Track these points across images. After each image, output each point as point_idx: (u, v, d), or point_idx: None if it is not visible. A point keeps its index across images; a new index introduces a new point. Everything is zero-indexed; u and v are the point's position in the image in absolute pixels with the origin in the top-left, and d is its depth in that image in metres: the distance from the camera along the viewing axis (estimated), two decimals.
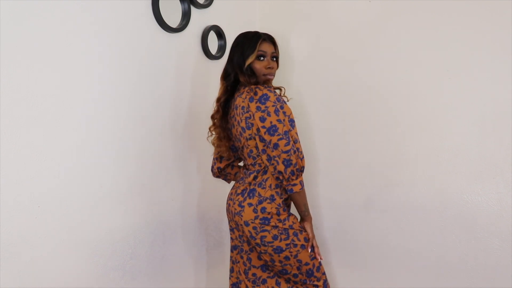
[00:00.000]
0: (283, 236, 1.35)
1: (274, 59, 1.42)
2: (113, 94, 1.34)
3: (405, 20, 1.70)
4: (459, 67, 1.59)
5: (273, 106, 1.27)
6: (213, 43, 1.80)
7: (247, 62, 1.35)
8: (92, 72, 1.26)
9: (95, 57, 1.27)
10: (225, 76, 1.43)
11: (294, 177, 1.30)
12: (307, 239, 1.39)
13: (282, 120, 1.28)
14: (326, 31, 1.93)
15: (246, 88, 1.34)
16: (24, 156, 1.08)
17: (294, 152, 1.29)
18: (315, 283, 1.40)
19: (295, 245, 1.36)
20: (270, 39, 1.41)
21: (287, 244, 1.35)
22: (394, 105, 1.75)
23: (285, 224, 1.36)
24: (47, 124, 1.13)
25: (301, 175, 1.33)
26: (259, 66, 1.37)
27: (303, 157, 1.34)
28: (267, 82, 1.41)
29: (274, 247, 1.34)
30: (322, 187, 1.99)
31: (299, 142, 1.34)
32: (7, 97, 1.03)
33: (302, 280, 1.40)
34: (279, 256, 1.35)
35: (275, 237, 1.34)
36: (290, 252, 1.36)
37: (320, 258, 1.41)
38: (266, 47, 1.38)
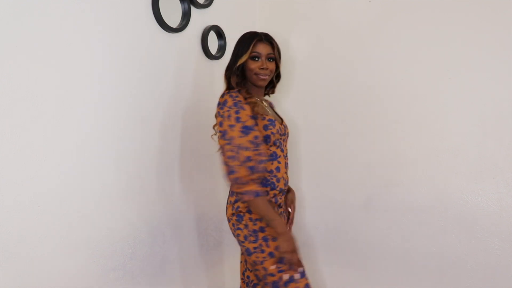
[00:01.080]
0: (251, 238, 1.29)
1: (271, 60, 1.38)
2: (113, 94, 1.34)
3: (405, 20, 1.71)
4: (459, 67, 1.59)
5: (227, 111, 1.24)
6: (213, 43, 1.80)
7: (239, 62, 1.34)
8: (92, 72, 1.26)
9: (95, 57, 1.27)
10: (226, 75, 1.43)
11: (235, 186, 1.23)
12: (278, 248, 1.25)
13: (232, 126, 1.23)
14: (326, 31, 1.93)
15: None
16: (24, 156, 1.08)
17: (241, 161, 1.20)
18: None
19: (262, 251, 1.27)
20: (267, 39, 1.37)
21: (254, 248, 1.29)
22: (394, 105, 1.76)
23: (255, 225, 1.29)
24: (47, 124, 1.13)
25: (247, 186, 1.21)
26: (252, 66, 1.35)
27: (253, 166, 1.21)
28: (258, 84, 1.38)
29: (246, 247, 1.31)
30: (322, 187, 1.99)
31: (256, 150, 1.23)
32: (7, 97, 1.03)
33: None
34: (250, 258, 1.31)
35: (245, 237, 1.31)
36: (257, 257, 1.28)
37: (285, 276, 1.24)
38: (261, 48, 1.35)
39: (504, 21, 1.49)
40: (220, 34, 1.83)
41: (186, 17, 1.62)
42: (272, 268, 1.25)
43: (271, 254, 1.27)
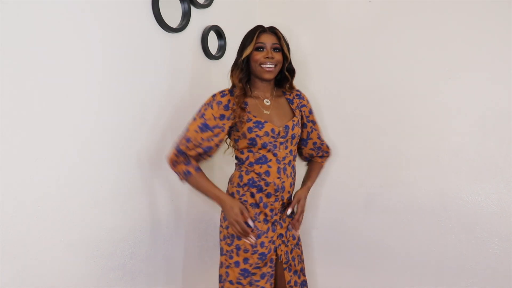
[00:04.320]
0: (228, 241, 1.37)
1: (277, 50, 1.35)
2: (113, 94, 1.34)
3: (405, 20, 1.70)
4: (459, 67, 1.59)
5: (203, 105, 1.34)
6: (213, 43, 1.80)
7: (244, 54, 1.33)
8: (92, 72, 1.26)
9: (95, 57, 1.27)
10: (231, 72, 1.43)
11: (170, 166, 1.34)
12: (247, 260, 1.33)
13: (195, 117, 1.33)
14: (327, 31, 1.93)
15: None
16: (24, 156, 1.08)
17: (179, 146, 1.30)
18: None
19: (231, 257, 1.35)
20: (271, 30, 1.36)
21: (227, 251, 1.36)
22: (394, 105, 1.75)
23: (229, 230, 1.36)
24: (47, 124, 1.13)
25: (176, 167, 1.33)
26: (257, 56, 1.32)
27: (181, 150, 1.30)
28: (264, 77, 1.34)
29: (220, 246, 1.39)
30: (322, 187, 1.99)
31: (200, 146, 1.30)
32: (7, 97, 1.03)
33: None
34: (220, 257, 1.39)
35: (224, 237, 1.39)
36: (226, 259, 1.37)
37: (251, 242, 1.32)
38: (265, 38, 1.33)
39: (504, 21, 1.49)
40: (220, 34, 1.83)
41: (186, 17, 1.61)
42: (232, 276, 1.34)
43: (237, 264, 1.34)
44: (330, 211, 1.98)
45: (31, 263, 1.11)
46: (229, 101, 1.32)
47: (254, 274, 1.34)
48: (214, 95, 1.35)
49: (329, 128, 1.95)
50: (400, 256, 1.79)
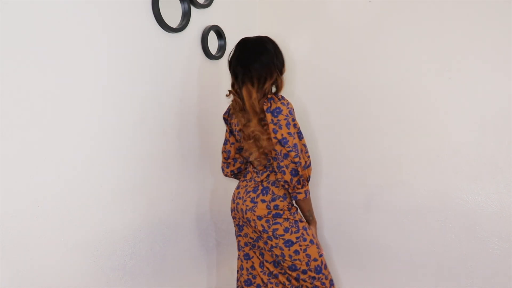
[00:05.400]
0: (293, 229, 1.39)
1: None
2: (113, 94, 1.34)
3: (405, 20, 1.70)
4: (459, 67, 1.59)
5: (284, 119, 1.30)
6: (213, 43, 1.80)
7: (284, 71, 1.41)
8: (92, 72, 1.26)
9: (95, 57, 1.27)
10: (274, 69, 1.41)
11: (299, 186, 1.35)
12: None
13: (293, 133, 1.31)
14: (326, 31, 1.93)
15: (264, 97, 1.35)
16: (24, 156, 1.08)
17: (303, 164, 1.33)
18: (323, 280, 1.43)
19: (305, 239, 1.40)
20: None
21: (297, 238, 1.39)
22: (394, 105, 1.75)
23: (295, 217, 1.41)
24: (47, 124, 1.13)
25: (307, 184, 1.37)
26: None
27: (309, 164, 1.38)
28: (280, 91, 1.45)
29: (285, 239, 1.37)
30: (322, 188, 1.99)
31: (308, 151, 1.39)
32: (7, 97, 1.03)
33: (311, 277, 1.41)
34: (289, 250, 1.38)
35: (286, 230, 1.38)
36: (300, 245, 1.39)
37: (324, 259, 1.45)
38: None
39: (505, 21, 1.49)
40: (220, 34, 1.83)
41: (186, 17, 1.62)
42: (315, 252, 1.41)
43: (311, 242, 1.42)
44: (330, 211, 1.98)
45: (31, 263, 1.11)
46: None
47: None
48: (288, 104, 1.34)
49: (329, 128, 1.95)
50: (400, 256, 1.79)
